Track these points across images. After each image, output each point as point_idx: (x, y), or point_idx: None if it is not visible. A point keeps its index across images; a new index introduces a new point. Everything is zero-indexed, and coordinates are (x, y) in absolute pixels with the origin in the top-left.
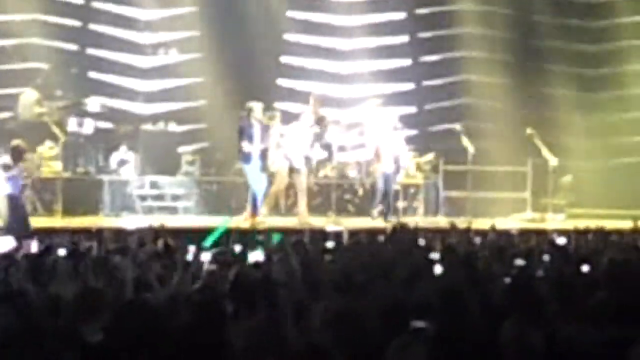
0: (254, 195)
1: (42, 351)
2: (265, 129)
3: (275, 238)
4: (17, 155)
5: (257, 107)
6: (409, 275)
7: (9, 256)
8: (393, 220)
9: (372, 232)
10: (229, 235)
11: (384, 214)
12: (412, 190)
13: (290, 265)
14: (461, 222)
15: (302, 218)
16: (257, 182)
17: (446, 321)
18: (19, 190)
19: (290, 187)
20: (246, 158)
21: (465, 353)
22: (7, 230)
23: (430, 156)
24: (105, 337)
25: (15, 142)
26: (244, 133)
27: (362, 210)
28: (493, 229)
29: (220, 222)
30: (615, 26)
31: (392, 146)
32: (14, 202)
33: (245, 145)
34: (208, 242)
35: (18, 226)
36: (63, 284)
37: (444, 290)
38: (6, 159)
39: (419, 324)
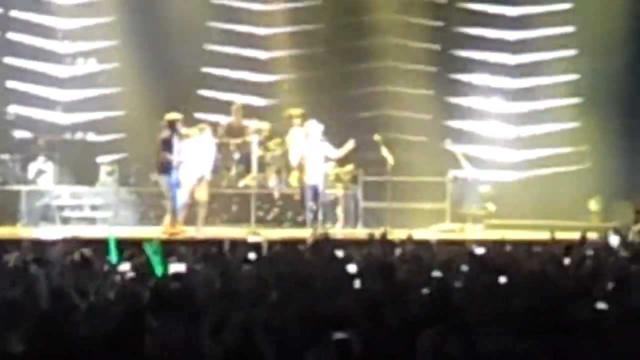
0: (174, 206)
1: None
2: (182, 140)
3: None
4: None
5: (178, 118)
6: (328, 287)
7: None
8: (314, 230)
9: (292, 243)
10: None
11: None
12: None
13: (208, 276)
14: (380, 233)
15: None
16: (176, 193)
17: (365, 332)
18: None
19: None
20: (166, 169)
21: None
22: None
23: (349, 167)
24: (26, 347)
25: None
26: (167, 144)
27: (282, 221)
28: (410, 239)
29: (109, 235)
30: (535, 39)
31: (317, 157)
32: None
33: (167, 157)
34: (113, 256)
35: None
36: None
37: (362, 301)
38: None
39: (339, 335)
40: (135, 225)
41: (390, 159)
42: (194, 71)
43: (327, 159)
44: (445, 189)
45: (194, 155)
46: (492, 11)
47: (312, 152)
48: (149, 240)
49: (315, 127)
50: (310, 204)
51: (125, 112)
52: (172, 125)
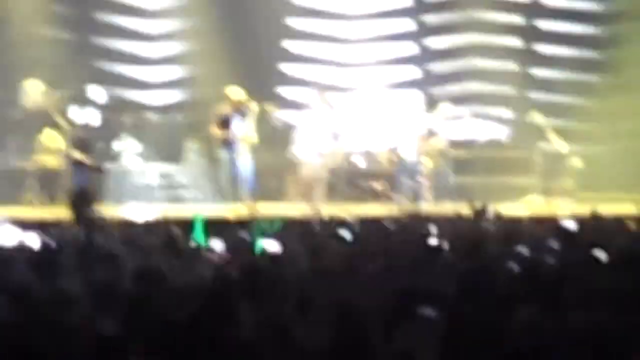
0: (247, 181)
1: (53, 347)
2: (243, 115)
3: (275, 226)
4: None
5: (237, 93)
6: (418, 263)
7: (13, 249)
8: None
9: (382, 220)
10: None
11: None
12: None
13: (299, 255)
14: (470, 209)
15: (314, 206)
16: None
17: (455, 309)
18: None
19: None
20: (227, 145)
21: (475, 340)
22: None
23: (439, 142)
24: (116, 330)
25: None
26: (221, 121)
27: (373, 198)
28: (499, 214)
29: (196, 215)
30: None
31: (412, 132)
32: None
33: (222, 133)
34: (198, 235)
35: None
36: (69, 277)
37: (452, 277)
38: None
39: (428, 311)
40: (222, 204)
41: (480, 134)
42: (275, 47)
43: (429, 132)
44: (533, 163)
45: (309, 130)
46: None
47: (406, 127)
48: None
49: (414, 101)
50: (403, 180)
51: (209, 91)
52: (235, 101)
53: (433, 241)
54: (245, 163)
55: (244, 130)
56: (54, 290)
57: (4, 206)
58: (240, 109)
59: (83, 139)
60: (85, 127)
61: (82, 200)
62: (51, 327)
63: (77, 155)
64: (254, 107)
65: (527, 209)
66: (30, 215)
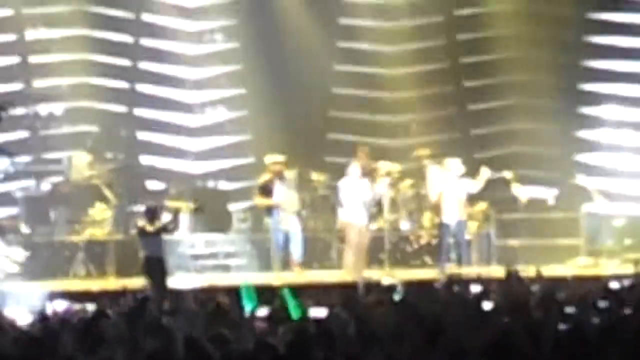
0: (295, 247)
1: None
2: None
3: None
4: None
5: (281, 163)
6: (463, 326)
7: (65, 321)
8: (448, 270)
9: (426, 283)
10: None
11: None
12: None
13: (344, 320)
14: (514, 271)
15: (355, 272)
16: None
17: None
18: None
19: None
20: (273, 212)
21: None
22: None
23: (482, 205)
24: None
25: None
26: (264, 190)
27: (416, 262)
28: (544, 276)
29: (243, 283)
30: None
31: (456, 195)
32: None
33: (264, 201)
34: (249, 303)
35: None
36: (114, 348)
37: (498, 339)
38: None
39: None
40: (269, 271)
41: (522, 196)
42: (322, 115)
43: (469, 195)
44: (578, 224)
45: (354, 196)
46: (623, 44)
47: (450, 190)
48: (284, 287)
49: (455, 165)
50: (447, 243)
51: (255, 159)
52: (275, 169)
53: (480, 303)
54: (292, 229)
55: (286, 197)
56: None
57: (53, 279)
58: (281, 176)
59: (151, 208)
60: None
61: (155, 270)
62: None
63: (147, 224)
64: (294, 173)
65: (573, 270)
66: (79, 287)
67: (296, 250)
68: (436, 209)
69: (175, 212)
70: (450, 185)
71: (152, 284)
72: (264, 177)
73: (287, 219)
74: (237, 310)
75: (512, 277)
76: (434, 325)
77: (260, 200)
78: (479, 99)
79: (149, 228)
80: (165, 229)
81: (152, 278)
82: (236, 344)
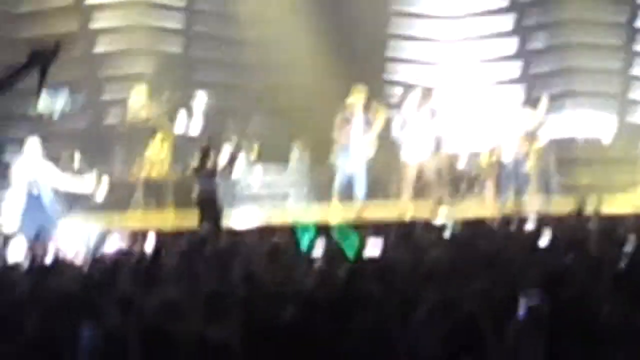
0: (360, 185)
1: (164, 356)
2: (367, 119)
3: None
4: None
5: (358, 99)
6: (520, 263)
7: (122, 258)
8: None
9: (482, 221)
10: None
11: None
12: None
13: (400, 258)
14: (573, 205)
15: (404, 208)
16: (355, 170)
17: (554, 305)
18: None
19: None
20: (345, 149)
21: (571, 335)
22: None
23: (542, 141)
24: (228, 337)
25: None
26: (341, 126)
27: (474, 199)
28: (603, 212)
29: (301, 220)
30: None
31: (513, 132)
32: None
33: (343, 137)
34: (305, 241)
35: None
36: (175, 285)
37: (553, 274)
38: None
39: (533, 300)
40: (328, 208)
41: (580, 132)
42: (379, 52)
43: (528, 131)
44: (637, 160)
45: (414, 131)
46: None
47: (509, 126)
48: (342, 224)
49: (509, 101)
50: (505, 179)
51: (313, 97)
52: (349, 106)
53: (538, 241)
54: (359, 168)
55: (366, 134)
56: (161, 296)
57: (112, 216)
58: (361, 112)
59: (204, 147)
60: (190, 135)
61: (208, 209)
62: (158, 334)
63: (201, 165)
64: (379, 110)
65: (632, 206)
66: (137, 226)
67: (360, 190)
68: (498, 147)
69: (233, 154)
70: (509, 120)
71: (204, 223)
72: (345, 112)
73: (357, 156)
74: (295, 247)
75: (571, 213)
76: (491, 262)
77: (338, 134)
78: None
79: (203, 168)
80: (219, 170)
81: (205, 217)
82: (295, 281)
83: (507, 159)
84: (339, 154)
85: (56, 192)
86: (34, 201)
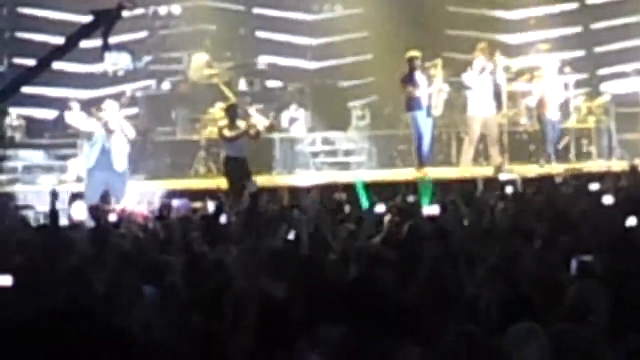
0: (421, 144)
1: (226, 311)
2: (427, 76)
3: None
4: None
5: (417, 56)
6: (580, 220)
7: (185, 218)
8: (555, 165)
9: (546, 179)
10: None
11: (548, 160)
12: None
13: (462, 217)
14: (634, 165)
15: (466, 167)
16: (426, 129)
17: (613, 261)
18: None
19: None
20: (417, 104)
21: (629, 292)
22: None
23: (603, 99)
24: (288, 294)
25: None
26: (408, 80)
27: (535, 157)
28: None
29: (356, 181)
30: None
31: (557, 92)
32: None
33: (412, 92)
34: (364, 201)
35: None
36: (237, 243)
37: (620, 234)
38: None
39: (586, 257)
40: (388, 168)
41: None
42: (440, 11)
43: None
44: None
45: (479, 90)
46: None
47: (551, 87)
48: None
49: (552, 62)
50: (551, 137)
51: (373, 56)
52: (410, 62)
53: (601, 199)
54: (428, 127)
55: (437, 90)
56: (224, 255)
57: (174, 179)
58: (425, 71)
59: (231, 109)
60: (251, 97)
61: (236, 170)
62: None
63: (227, 127)
64: (437, 65)
65: None
66: (200, 186)
67: (427, 149)
68: (541, 104)
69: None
70: (550, 83)
71: (231, 185)
72: (407, 69)
73: (425, 115)
74: (356, 206)
75: (633, 171)
76: (554, 220)
77: (409, 89)
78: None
79: (228, 131)
80: (245, 132)
81: (231, 178)
82: (354, 239)
83: (552, 116)
84: (411, 112)
85: (125, 153)
86: (104, 159)
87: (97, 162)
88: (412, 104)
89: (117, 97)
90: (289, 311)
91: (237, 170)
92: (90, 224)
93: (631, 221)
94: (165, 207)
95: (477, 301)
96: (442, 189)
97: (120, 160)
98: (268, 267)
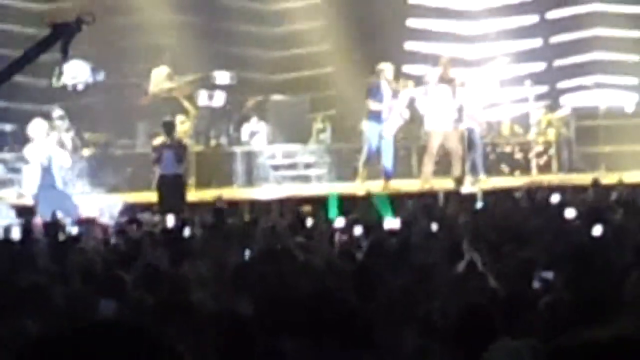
0: (370, 157)
1: (186, 328)
2: (395, 93)
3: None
4: (169, 130)
5: (387, 68)
6: (541, 233)
7: (147, 231)
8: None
9: (507, 192)
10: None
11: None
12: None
13: (425, 229)
14: (595, 177)
15: (425, 180)
16: (378, 142)
17: (573, 275)
18: None
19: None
20: (375, 117)
21: (588, 305)
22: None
23: (563, 112)
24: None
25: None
26: (372, 93)
27: (496, 170)
28: (625, 183)
29: (329, 194)
30: None
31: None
32: None
33: (374, 105)
34: (332, 212)
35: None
36: (199, 258)
37: (574, 245)
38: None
39: (547, 274)
40: (348, 181)
41: (602, 103)
42: (399, 24)
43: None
44: None
45: (438, 104)
46: None
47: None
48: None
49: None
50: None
51: (333, 69)
52: (378, 74)
53: (562, 211)
54: (388, 140)
55: (398, 107)
56: (182, 270)
57: (139, 192)
58: (390, 86)
59: (167, 122)
60: (211, 110)
61: (168, 187)
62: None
63: (165, 139)
64: (408, 85)
65: None
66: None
67: (388, 162)
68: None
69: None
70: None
71: (164, 200)
72: (372, 81)
73: (387, 127)
74: (318, 220)
75: (593, 184)
76: (515, 233)
77: (369, 103)
78: (561, 6)
79: (167, 143)
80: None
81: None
82: (316, 252)
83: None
84: (368, 122)
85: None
86: (48, 178)
87: (42, 179)
88: (370, 116)
89: (79, 110)
90: (250, 325)
91: (169, 187)
92: (45, 239)
93: (596, 230)
94: (132, 221)
95: (435, 315)
96: (402, 201)
97: (61, 177)
98: (231, 281)
